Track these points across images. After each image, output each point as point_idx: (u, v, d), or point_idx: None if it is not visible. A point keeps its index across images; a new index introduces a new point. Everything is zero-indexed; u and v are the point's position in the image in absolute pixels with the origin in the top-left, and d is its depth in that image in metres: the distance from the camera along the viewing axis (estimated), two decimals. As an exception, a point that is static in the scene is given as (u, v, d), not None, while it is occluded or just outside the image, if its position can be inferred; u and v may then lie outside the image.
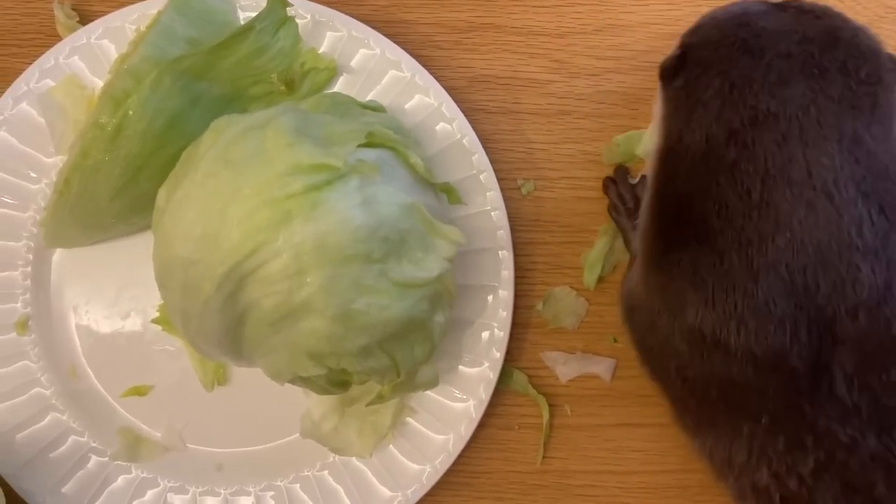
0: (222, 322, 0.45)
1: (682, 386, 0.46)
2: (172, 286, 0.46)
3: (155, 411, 0.58)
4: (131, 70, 0.51)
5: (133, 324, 0.58)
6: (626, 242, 0.57)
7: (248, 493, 0.56)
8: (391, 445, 0.56)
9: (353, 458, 0.56)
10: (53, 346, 0.58)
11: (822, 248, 0.40)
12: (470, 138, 0.57)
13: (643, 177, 0.56)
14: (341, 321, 0.45)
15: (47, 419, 0.57)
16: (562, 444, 0.58)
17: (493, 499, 0.58)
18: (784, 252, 0.40)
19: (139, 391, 0.58)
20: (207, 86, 0.53)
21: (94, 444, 0.57)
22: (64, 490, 0.56)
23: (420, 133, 0.57)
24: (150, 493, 0.57)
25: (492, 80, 0.61)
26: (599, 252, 0.58)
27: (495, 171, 0.58)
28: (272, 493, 0.56)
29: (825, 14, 0.45)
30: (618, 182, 0.58)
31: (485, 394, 0.56)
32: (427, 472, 0.55)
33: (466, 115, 0.58)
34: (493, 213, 0.57)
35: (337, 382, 0.49)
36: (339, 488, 0.56)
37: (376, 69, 0.58)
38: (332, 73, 0.57)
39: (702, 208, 0.42)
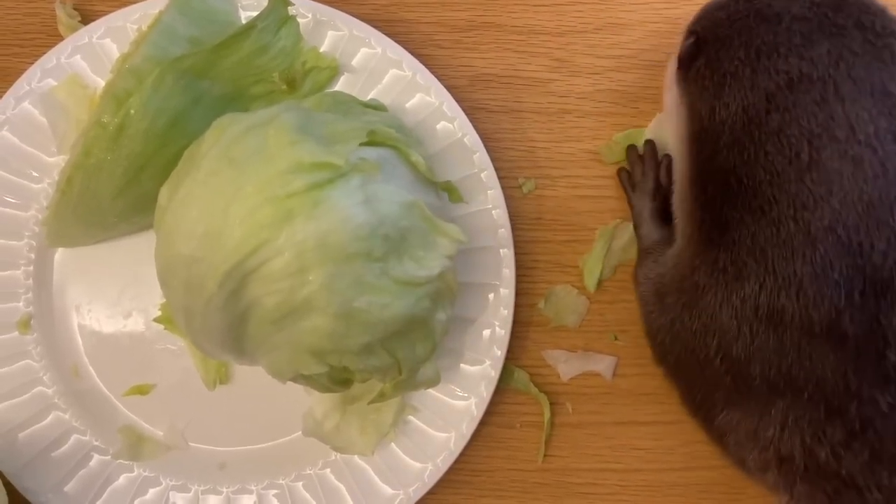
0: (225, 320, 0.45)
1: (720, 364, 0.45)
2: (175, 284, 0.46)
3: (157, 410, 0.58)
4: (133, 69, 0.51)
5: (135, 323, 0.59)
6: (636, 226, 0.56)
7: (251, 492, 0.56)
8: (393, 444, 0.56)
9: (355, 456, 0.56)
10: (55, 345, 0.58)
11: (874, 204, 0.40)
12: (471, 137, 0.58)
13: (667, 156, 0.56)
14: (343, 319, 0.45)
15: (49, 418, 0.57)
16: (563, 442, 0.58)
17: (495, 497, 0.58)
18: (839, 212, 0.40)
19: (141, 390, 0.58)
20: (209, 85, 0.53)
21: (96, 443, 0.57)
22: (66, 489, 0.56)
23: (421, 132, 0.57)
24: (152, 492, 0.57)
25: (493, 79, 0.61)
26: (598, 256, 0.58)
27: (496, 169, 0.58)
28: (274, 491, 0.56)
29: None
30: (645, 160, 0.57)
31: (486, 392, 0.56)
32: (429, 471, 0.55)
33: (467, 114, 0.58)
34: (494, 212, 0.57)
35: (339, 380, 0.49)
36: (342, 486, 0.56)
37: (377, 68, 0.58)
38: (334, 72, 0.57)
39: (751, 179, 0.43)
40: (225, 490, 0.57)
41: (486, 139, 0.59)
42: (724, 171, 0.44)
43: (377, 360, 0.47)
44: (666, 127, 0.53)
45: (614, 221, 0.59)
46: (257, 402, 0.58)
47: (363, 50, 0.58)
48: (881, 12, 0.45)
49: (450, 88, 0.58)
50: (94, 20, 0.59)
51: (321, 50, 0.58)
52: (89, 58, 0.58)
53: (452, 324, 0.55)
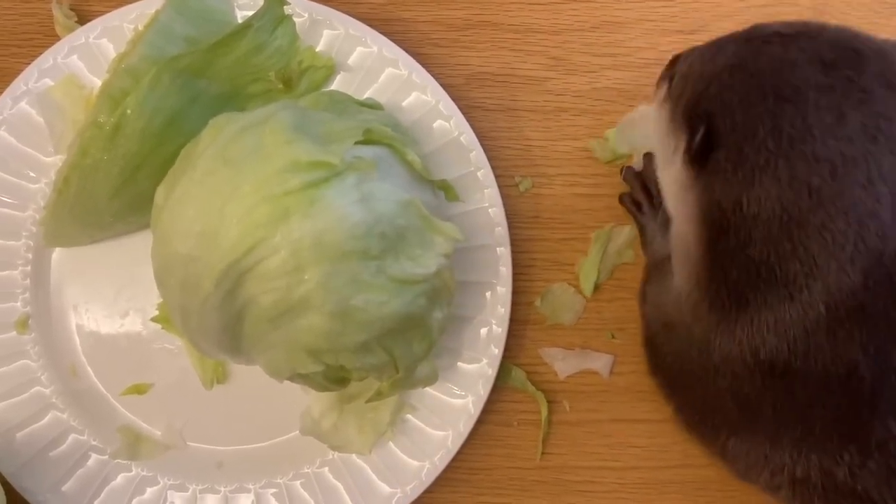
0: (221, 319, 0.45)
1: (729, 400, 0.45)
2: (171, 284, 0.46)
3: (155, 409, 0.58)
4: (129, 69, 0.52)
5: (133, 322, 0.59)
6: (643, 244, 0.56)
7: (248, 491, 0.57)
8: (390, 442, 0.56)
9: (353, 455, 0.56)
10: (53, 344, 0.58)
11: None
12: (467, 135, 0.58)
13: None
14: (339, 317, 0.45)
15: (47, 418, 0.57)
16: (561, 440, 0.58)
17: (493, 495, 0.58)
18: (877, 286, 0.38)
19: (139, 389, 0.58)
20: (206, 84, 0.53)
21: (94, 443, 0.57)
22: (64, 488, 0.56)
23: (417, 130, 0.57)
24: (150, 491, 0.57)
25: (489, 78, 0.61)
26: (593, 260, 0.59)
27: (493, 168, 0.58)
28: (272, 490, 0.56)
29: (817, 31, 0.42)
30: (646, 178, 0.56)
31: (483, 390, 0.56)
32: (426, 469, 0.55)
33: (464, 113, 0.58)
34: (490, 210, 0.57)
35: (335, 379, 0.49)
36: (339, 485, 0.56)
37: (374, 67, 0.58)
38: (330, 71, 0.57)
39: (785, 270, 0.39)
40: (223, 489, 0.57)
41: (482, 137, 0.59)
42: (754, 261, 0.40)
43: (374, 359, 0.47)
44: (637, 127, 0.52)
45: (609, 225, 0.59)
46: (255, 402, 0.58)
47: (359, 49, 0.58)
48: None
49: (446, 87, 0.58)
50: (90, 20, 0.59)
51: (317, 49, 0.58)
52: (86, 58, 0.58)
53: (450, 322, 0.55)
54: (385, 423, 0.55)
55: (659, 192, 0.51)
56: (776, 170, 0.39)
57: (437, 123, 0.58)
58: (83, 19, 0.60)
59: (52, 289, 0.59)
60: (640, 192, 0.57)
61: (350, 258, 0.44)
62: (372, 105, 0.54)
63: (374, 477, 0.56)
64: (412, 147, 0.52)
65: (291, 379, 0.49)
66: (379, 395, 0.51)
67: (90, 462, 0.57)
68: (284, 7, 0.55)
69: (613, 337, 0.59)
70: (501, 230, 0.57)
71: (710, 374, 0.45)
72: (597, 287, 0.59)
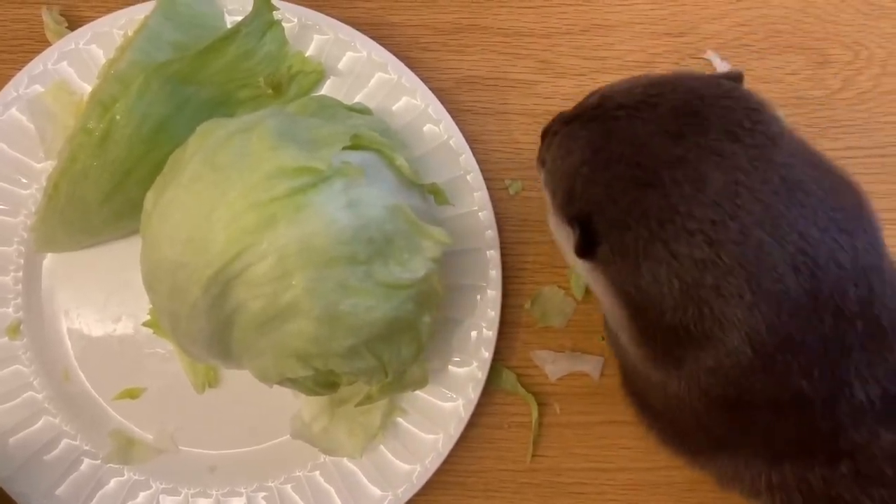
0: (209, 324, 0.45)
1: (695, 428, 0.47)
2: (160, 289, 0.46)
3: (147, 414, 0.58)
4: (119, 75, 0.52)
5: (124, 327, 0.59)
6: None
7: (240, 495, 0.57)
8: (381, 445, 0.56)
9: (344, 458, 0.56)
10: (45, 350, 0.58)
11: (819, 293, 0.39)
12: (457, 139, 0.58)
13: None
14: (327, 322, 0.45)
15: (40, 423, 0.57)
16: (552, 442, 0.58)
17: (485, 497, 0.58)
18: (788, 323, 0.39)
19: (131, 394, 0.58)
20: (195, 90, 0.54)
21: (86, 447, 0.57)
22: (57, 493, 0.56)
23: (407, 134, 0.58)
24: (142, 496, 0.57)
25: (478, 82, 0.61)
26: None
27: (483, 171, 0.58)
28: (264, 493, 0.57)
29: (657, 96, 0.42)
30: None
31: (474, 393, 0.56)
32: (417, 472, 0.56)
33: (453, 117, 0.58)
34: (480, 214, 0.58)
35: (325, 384, 0.49)
36: (331, 489, 0.56)
37: (363, 72, 0.58)
38: (319, 76, 0.57)
39: (701, 327, 0.40)
40: (215, 493, 0.57)
41: (472, 141, 0.59)
42: (673, 327, 0.41)
43: (362, 363, 0.47)
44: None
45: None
46: (246, 406, 0.58)
47: (348, 53, 0.58)
48: (739, 107, 0.41)
49: (436, 91, 0.59)
50: (81, 26, 0.59)
51: (307, 54, 0.58)
52: (76, 64, 0.58)
53: (440, 326, 0.56)
54: (376, 427, 0.55)
55: None
56: (657, 253, 0.40)
57: (427, 127, 0.58)
58: (73, 25, 0.60)
59: (43, 294, 0.59)
60: None
61: (337, 263, 0.44)
62: (361, 110, 0.54)
63: (364, 480, 0.56)
64: (401, 151, 0.52)
65: (281, 383, 0.49)
66: (369, 399, 0.52)
67: (83, 467, 0.57)
68: (273, 12, 0.55)
69: (603, 339, 0.59)
70: (491, 233, 0.58)
71: (673, 410, 0.47)
72: (587, 290, 0.59)
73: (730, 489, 0.49)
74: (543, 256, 0.60)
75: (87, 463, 0.57)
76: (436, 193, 0.54)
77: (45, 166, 0.58)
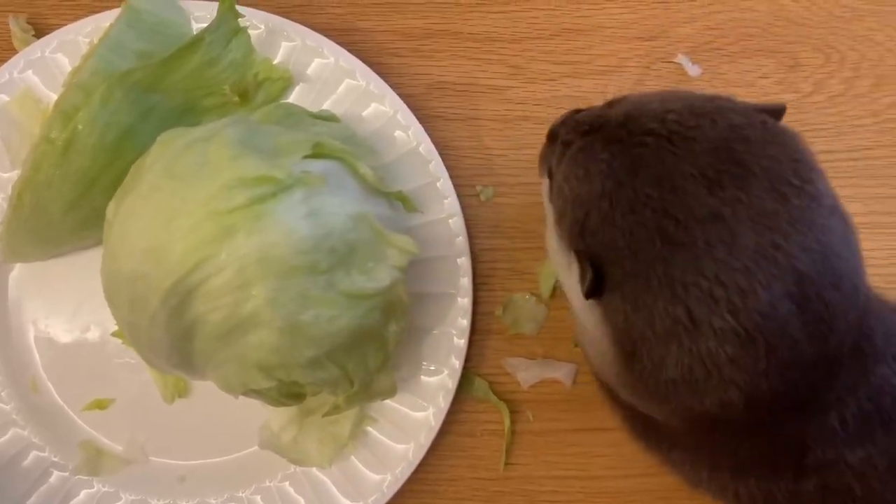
0: (169, 336, 0.45)
1: (667, 429, 0.45)
2: (120, 301, 0.46)
3: (116, 424, 0.58)
4: (80, 84, 0.51)
5: (93, 337, 0.58)
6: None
7: (210, 505, 0.56)
8: (351, 455, 0.56)
9: (314, 468, 0.56)
10: (13, 360, 0.58)
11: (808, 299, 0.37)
12: (426, 146, 0.57)
13: None
14: (289, 333, 0.44)
15: (8, 435, 0.57)
16: (525, 450, 0.58)
17: (457, 506, 0.58)
18: (796, 376, 0.38)
19: (100, 405, 0.58)
20: (159, 98, 0.53)
21: (55, 459, 0.57)
22: (26, 505, 0.56)
23: (376, 141, 0.57)
24: (111, 507, 0.57)
25: (449, 87, 0.61)
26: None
27: (454, 177, 0.58)
28: (234, 504, 0.56)
29: (694, 127, 0.38)
30: None
31: (444, 402, 0.56)
32: (388, 482, 0.55)
33: (424, 123, 0.58)
34: (450, 221, 0.57)
35: (289, 394, 0.48)
36: (301, 499, 0.56)
37: (331, 78, 0.58)
38: (287, 83, 0.57)
39: (701, 381, 0.38)
40: (184, 504, 0.56)
41: (443, 147, 0.59)
42: (672, 379, 0.39)
43: (326, 374, 0.47)
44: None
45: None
46: (217, 416, 0.57)
47: (316, 60, 0.58)
48: (785, 158, 0.38)
49: (406, 97, 0.58)
50: (48, 34, 0.59)
51: (275, 61, 0.58)
52: (41, 72, 0.58)
53: (409, 334, 0.55)
54: (345, 436, 0.55)
55: None
56: (675, 315, 0.37)
57: (396, 134, 0.58)
58: (41, 33, 0.60)
59: (10, 304, 0.58)
60: None
61: (298, 273, 0.44)
62: (327, 117, 0.54)
63: (334, 490, 0.55)
64: (368, 158, 0.52)
65: (246, 394, 0.49)
66: (336, 410, 0.51)
67: (52, 479, 0.57)
68: (239, 19, 0.54)
69: (576, 346, 0.58)
70: (462, 240, 0.57)
71: (642, 413, 0.46)
72: (558, 293, 0.58)
73: (698, 489, 0.49)
74: (515, 263, 0.59)
75: (56, 475, 0.57)
76: (403, 201, 0.54)
77: (12, 176, 0.57)
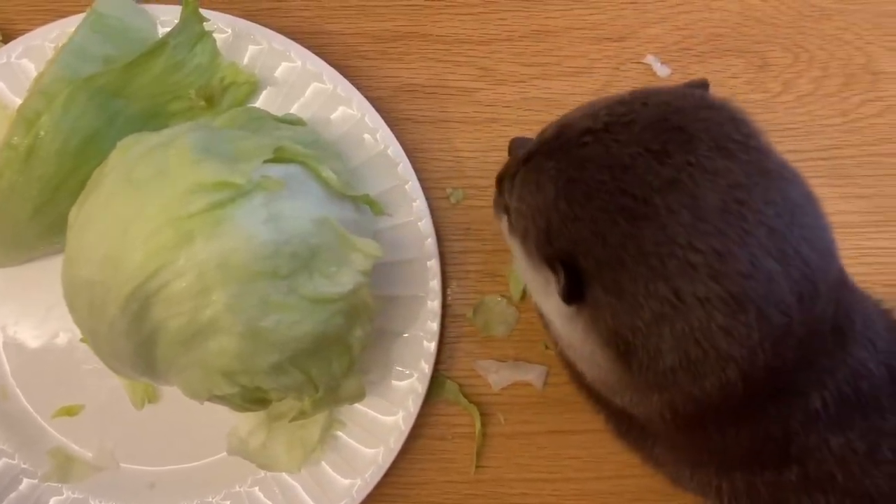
0: (130, 343, 0.45)
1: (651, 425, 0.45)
2: (80, 307, 0.45)
3: (86, 431, 0.58)
4: (43, 90, 0.51)
5: (62, 343, 0.58)
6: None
7: (180, 511, 0.56)
8: (321, 460, 0.56)
9: (284, 473, 0.55)
10: (-19, 368, 0.58)
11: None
12: (394, 149, 0.57)
13: None
14: (250, 339, 0.44)
15: (-23, 442, 0.57)
16: (496, 452, 0.58)
17: (429, 509, 0.58)
18: (789, 349, 0.38)
19: (70, 411, 0.58)
20: (124, 103, 0.53)
21: (24, 466, 0.57)
22: (-5, 513, 0.56)
23: (344, 145, 0.57)
24: (81, 514, 0.56)
25: (418, 90, 0.60)
26: None
27: (424, 180, 0.58)
28: (204, 510, 0.56)
29: (627, 115, 0.38)
30: None
31: (413, 406, 0.55)
32: (357, 486, 0.55)
33: (393, 125, 0.58)
34: (419, 223, 0.57)
35: (254, 400, 0.48)
36: (270, 504, 0.56)
37: (298, 82, 0.57)
38: (253, 87, 0.57)
39: (699, 366, 0.38)
40: (154, 510, 0.56)
41: (413, 150, 0.59)
42: (669, 367, 0.38)
43: (289, 379, 0.47)
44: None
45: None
46: (187, 421, 0.57)
47: (283, 64, 0.58)
48: (723, 118, 0.38)
49: (375, 99, 0.58)
50: (15, 39, 0.58)
51: (242, 64, 0.57)
52: (7, 77, 0.57)
53: (379, 337, 0.55)
54: (315, 441, 0.55)
55: None
56: (659, 292, 0.36)
57: (364, 137, 0.57)
58: (8, 38, 0.60)
59: (-22, 311, 0.58)
60: None
61: (258, 279, 0.44)
62: (292, 121, 0.53)
63: (304, 495, 0.55)
64: (335, 162, 0.51)
65: (210, 400, 0.48)
66: (302, 415, 0.51)
67: (21, 486, 0.56)
68: (205, 23, 0.54)
69: (547, 348, 0.58)
70: (431, 243, 0.57)
71: (626, 413, 0.46)
72: (528, 295, 0.58)
73: (680, 486, 0.49)
74: (486, 265, 0.59)
75: (25, 482, 0.56)
76: (370, 204, 0.54)
77: (-21, 182, 0.57)
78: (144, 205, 0.43)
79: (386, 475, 0.56)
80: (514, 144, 0.47)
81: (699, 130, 0.37)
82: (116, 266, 0.43)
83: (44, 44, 0.57)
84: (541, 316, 0.49)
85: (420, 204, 0.57)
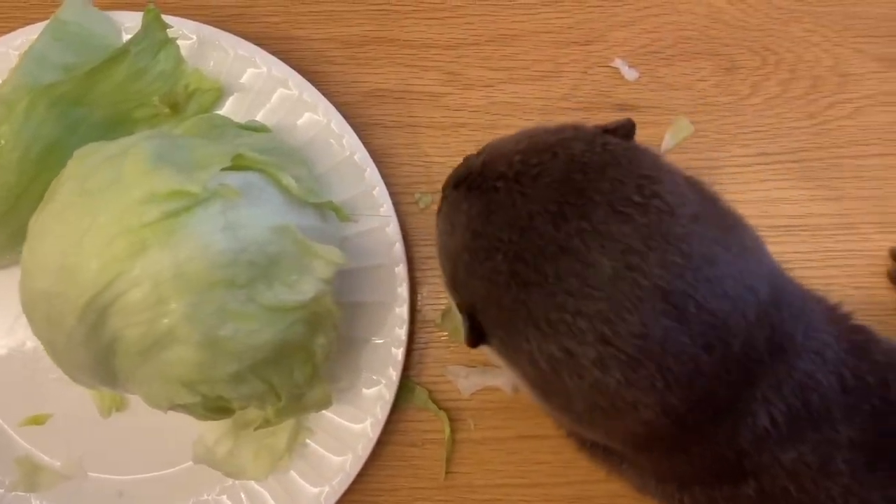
0: (89, 353, 0.44)
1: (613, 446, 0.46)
2: (37, 318, 0.45)
3: (54, 439, 0.57)
4: (3, 98, 0.51)
5: (29, 351, 0.58)
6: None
7: (148, 520, 0.56)
8: (290, 468, 0.55)
9: (252, 481, 0.55)
10: (-52, 376, 0.57)
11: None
12: (361, 154, 0.57)
13: None
14: (208, 348, 0.44)
15: (-56, 452, 0.56)
16: (466, 458, 0.58)
17: (399, 516, 0.58)
18: (706, 383, 0.38)
19: (37, 420, 0.57)
20: (87, 111, 0.53)
21: (-9, 476, 0.56)
22: (-39, 523, 0.55)
23: (311, 150, 0.57)
24: (48, 523, 0.56)
25: (386, 95, 0.60)
26: None
27: (393, 185, 0.58)
28: (171, 518, 0.56)
29: (537, 165, 0.38)
30: None
31: (382, 413, 0.55)
32: (325, 493, 0.55)
33: (361, 130, 0.58)
34: (387, 229, 0.57)
35: (216, 409, 0.48)
36: (238, 512, 0.55)
37: (264, 88, 0.57)
38: (218, 93, 0.57)
39: (615, 406, 0.38)
40: (122, 519, 0.56)
41: (381, 155, 0.58)
42: (585, 409, 0.39)
43: (250, 388, 0.47)
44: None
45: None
46: (155, 429, 0.57)
47: (249, 70, 0.57)
48: (628, 178, 0.37)
49: (342, 105, 0.58)
50: (-17, 46, 0.58)
51: (207, 70, 0.57)
52: (-29, 86, 0.57)
53: (347, 344, 0.55)
54: (282, 449, 0.55)
55: None
56: (552, 353, 0.37)
57: (331, 143, 0.57)
58: (-26, 46, 0.59)
59: (-55, 320, 0.58)
60: None
61: (215, 288, 0.44)
62: (256, 128, 0.53)
63: (272, 503, 0.55)
64: (300, 168, 0.51)
65: (173, 409, 0.48)
66: (266, 423, 0.51)
67: (-11, 496, 0.56)
68: (169, 30, 0.54)
69: (516, 353, 0.58)
70: (399, 248, 0.57)
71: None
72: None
73: (646, 494, 0.49)
74: (454, 270, 0.59)
75: (-7, 492, 0.56)
76: (335, 210, 0.54)
77: (-57, 191, 0.57)
78: (98, 215, 0.43)
79: (355, 482, 0.55)
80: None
81: (599, 194, 0.37)
82: (72, 277, 0.43)
83: (8, 51, 0.57)
84: None
85: (387, 209, 0.57)
